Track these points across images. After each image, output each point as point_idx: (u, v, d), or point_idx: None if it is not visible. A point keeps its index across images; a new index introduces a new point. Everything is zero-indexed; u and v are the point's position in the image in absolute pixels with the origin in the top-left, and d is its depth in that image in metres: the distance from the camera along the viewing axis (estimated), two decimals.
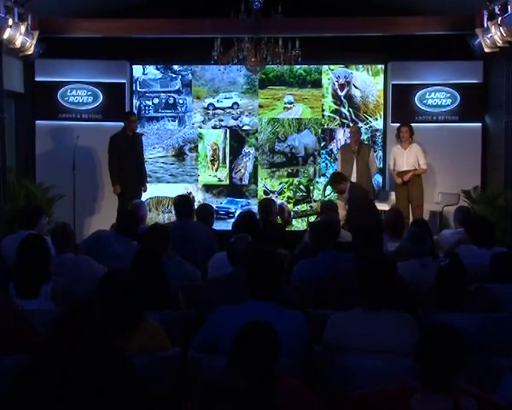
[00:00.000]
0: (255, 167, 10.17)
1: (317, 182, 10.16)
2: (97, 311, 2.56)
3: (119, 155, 8.66)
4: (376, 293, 3.24)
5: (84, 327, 2.44)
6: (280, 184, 10.18)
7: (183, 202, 6.23)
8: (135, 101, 10.09)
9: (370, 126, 10.05)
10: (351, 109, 10.06)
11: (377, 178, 10.03)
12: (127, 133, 8.73)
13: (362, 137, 9.36)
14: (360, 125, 9.97)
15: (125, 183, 8.62)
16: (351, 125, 9.89)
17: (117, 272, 3.33)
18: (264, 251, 3.50)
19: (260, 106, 10.11)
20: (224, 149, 10.18)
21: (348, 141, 9.50)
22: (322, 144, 10.09)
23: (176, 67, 10.16)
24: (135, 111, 9.84)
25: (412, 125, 9.12)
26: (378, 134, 10.03)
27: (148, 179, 9.54)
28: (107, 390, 2.33)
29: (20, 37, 7.79)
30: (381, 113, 9.96)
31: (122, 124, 8.85)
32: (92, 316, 2.50)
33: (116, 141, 8.69)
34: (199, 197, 10.00)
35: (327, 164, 10.01)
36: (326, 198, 9.70)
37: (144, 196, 9.29)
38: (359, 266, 3.45)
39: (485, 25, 7.85)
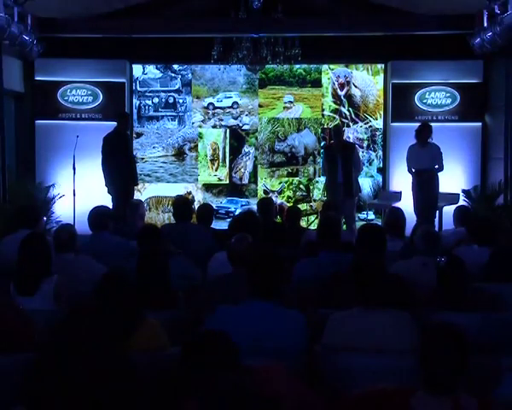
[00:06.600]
0: (255, 167, 10.17)
1: (317, 181, 10.16)
2: (98, 311, 2.56)
3: (113, 154, 8.63)
4: (370, 292, 3.26)
5: (88, 328, 2.44)
6: (280, 183, 10.18)
7: (182, 206, 6.22)
8: (135, 100, 10.09)
9: (370, 126, 10.05)
10: (351, 109, 10.06)
11: (377, 178, 10.03)
12: (121, 133, 8.71)
13: (361, 136, 9.33)
14: (360, 124, 9.98)
15: (119, 182, 8.59)
16: (351, 124, 9.90)
17: (116, 273, 3.33)
18: (264, 251, 3.50)
19: (260, 105, 10.11)
20: (224, 148, 10.18)
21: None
22: (321, 144, 10.10)
23: (176, 66, 10.16)
24: (134, 110, 9.85)
25: (412, 124, 9.10)
26: (378, 134, 10.03)
27: (148, 179, 9.54)
28: (107, 391, 2.33)
29: (20, 37, 7.79)
30: (381, 112, 9.96)
31: None
32: (95, 317, 2.50)
33: (110, 141, 8.64)
34: (199, 197, 10.01)
35: None
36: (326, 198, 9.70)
37: (144, 196, 9.29)
38: (353, 265, 3.47)
39: (485, 24, 7.85)
